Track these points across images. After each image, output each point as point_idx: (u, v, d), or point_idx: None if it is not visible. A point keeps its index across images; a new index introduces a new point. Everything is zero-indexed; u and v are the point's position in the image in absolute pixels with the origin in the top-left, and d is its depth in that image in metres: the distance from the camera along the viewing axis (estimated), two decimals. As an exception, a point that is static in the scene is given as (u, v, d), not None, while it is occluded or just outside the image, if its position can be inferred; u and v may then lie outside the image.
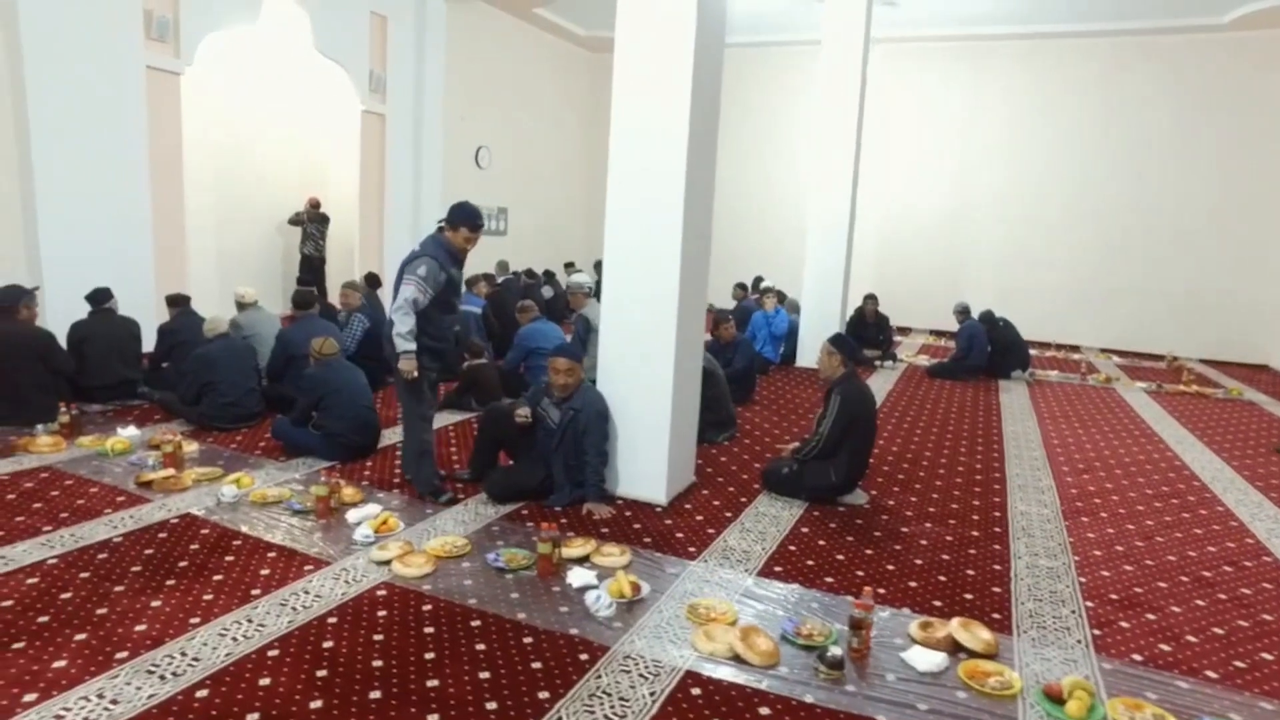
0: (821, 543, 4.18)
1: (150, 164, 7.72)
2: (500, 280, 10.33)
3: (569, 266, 13.38)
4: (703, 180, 4.53)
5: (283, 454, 5.18)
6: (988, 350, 9.14)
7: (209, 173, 9.70)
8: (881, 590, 3.62)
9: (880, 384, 8.71)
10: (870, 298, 10.04)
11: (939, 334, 12.94)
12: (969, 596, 3.61)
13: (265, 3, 8.71)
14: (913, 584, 3.73)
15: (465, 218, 4.29)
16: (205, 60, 8.37)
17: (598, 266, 13.49)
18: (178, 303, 6.66)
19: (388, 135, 10.67)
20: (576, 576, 3.52)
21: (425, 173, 11.20)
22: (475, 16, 12.05)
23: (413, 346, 4.17)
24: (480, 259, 12.57)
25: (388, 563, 3.60)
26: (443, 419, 6.23)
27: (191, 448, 5.10)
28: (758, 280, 12.26)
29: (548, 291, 11.08)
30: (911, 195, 13.27)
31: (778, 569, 3.84)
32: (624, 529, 4.23)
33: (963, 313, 9.48)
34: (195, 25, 8.02)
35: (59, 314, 6.41)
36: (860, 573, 3.82)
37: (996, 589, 3.70)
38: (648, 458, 4.55)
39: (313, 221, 10.86)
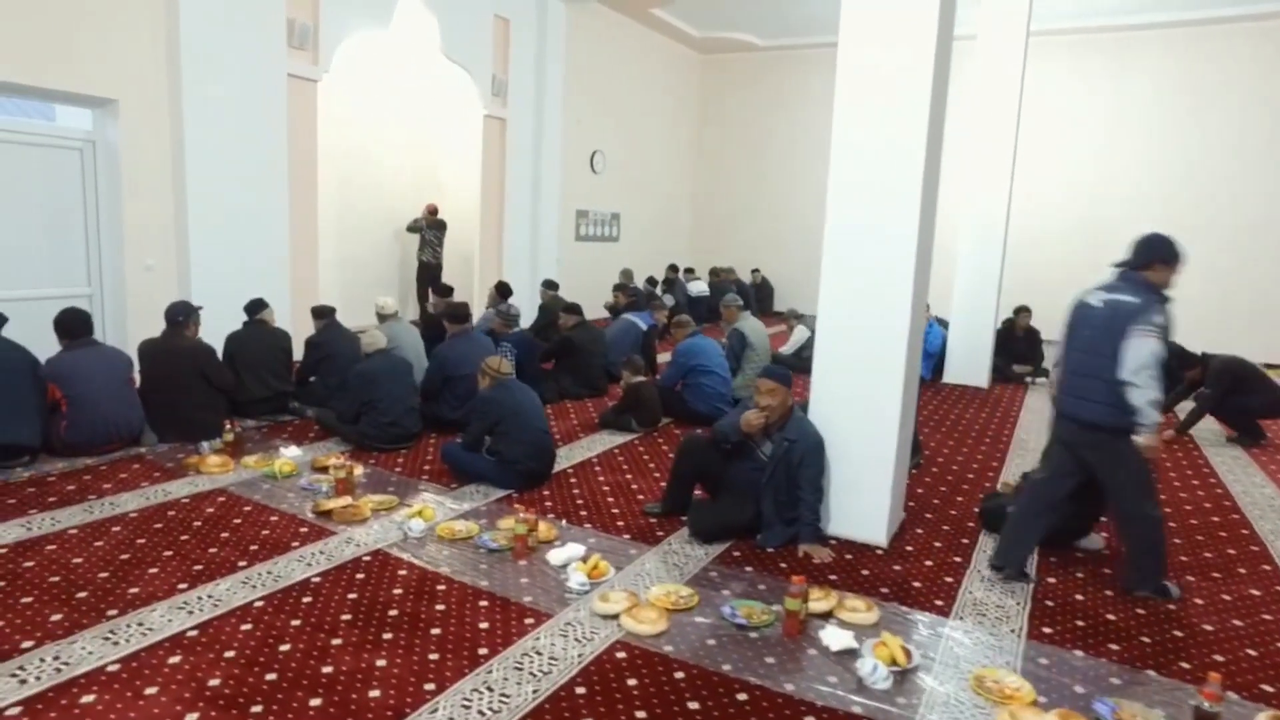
0: (1079, 597, 3.67)
1: (289, 173, 7.63)
2: (627, 289, 9.99)
3: (689, 273, 13.02)
4: (932, 195, 4.07)
5: (452, 480, 4.89)
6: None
7: (332, 180, 9.62)
8: (1185, 665, 3.10)
9: (1039, 403, 8.07)
10: (1023, 310, 9.36)
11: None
12: (1300, 678, 3.06)
13: (398, 7, 8.57)
14: (1218, 657, 3.19)
15: (1176, 251, 3.59)
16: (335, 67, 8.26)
17: (706, 274, 13.06)
18: (323, 314, 6.48)
19: (508, 140, 10.46)
20: (833, 638, 3.10)
21: (544, 178, 10.96)
22: (591, 18, 11.79)
23: (1160, 417, 3.49)
24: (601, 268, 12.32)
25: (614, 616, 3.24)
26: (605, 441, 5.90)
27: (358, 472, 4.86)
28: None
29: (668, 299, 10.71)
30: (1045, 199, 12.44)
31: (1046, 629, 3.35)
32: (852, 576, 3.79)
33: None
34: (333, 32, 7.91)
35: (206, 326, 6.30)
36: (1145, 639, 3.30)
37: (1326, 669, 3.14)
38: (867, 495, 4.10)
39: (430, 228, 10.70)
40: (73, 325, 4.97)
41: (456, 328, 6.04)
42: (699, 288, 12.37)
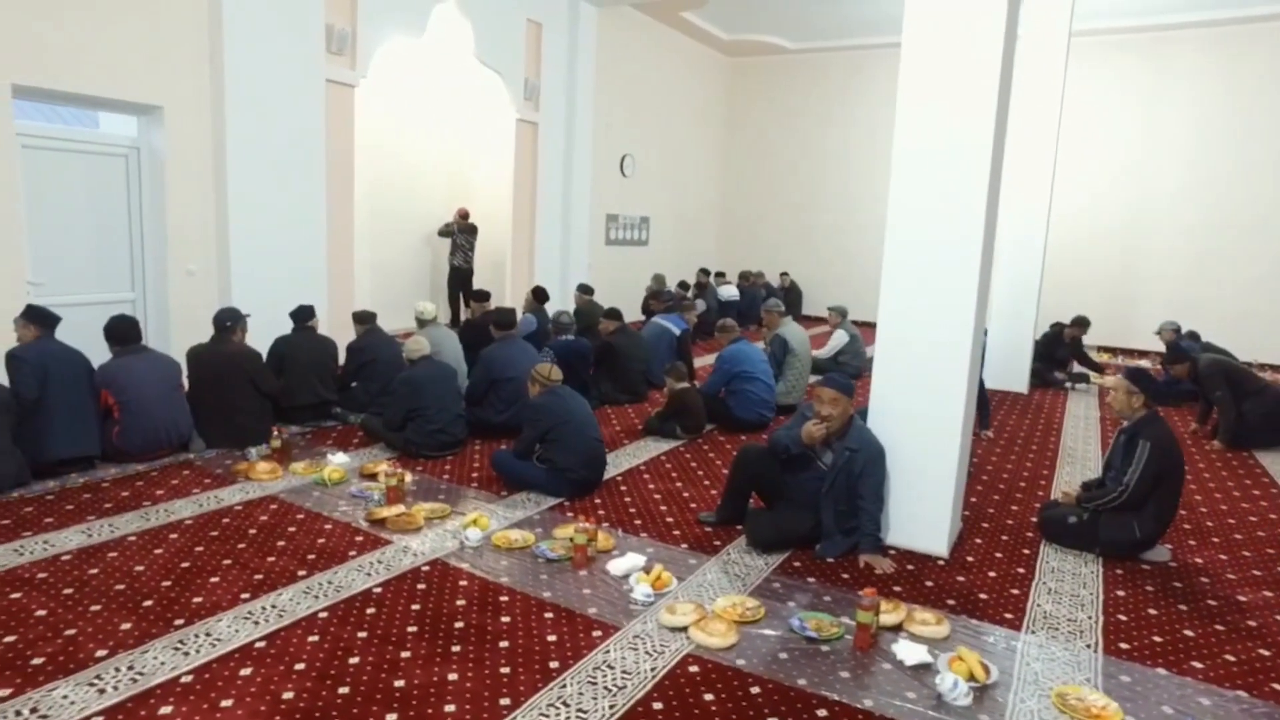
0: (1152, 611, 3.59)
1: (327, 178, 7.64)
2: (661, 294, 9.93)
3: (719, 276, 12.95)
4: (994, 203, 4.00)
5: (501, 487, 4.86)
6: (1202, 372, 8.26)
7: (365, 185, 9.62)
8: (1277, 686, 3.01)
9: (1083, 409, 7.96)
10: (1083, 321, 9.22)
11: (1109, 350, 11.95)
12: (1393, 698, 2.96)
13: (433, 12, 8.57)
14: (1310, 677, 3.10)
15: None
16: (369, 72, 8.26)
17: (736, 278, 12.95)
18: (365, 320, 6.47)
19: (539, 143, 10.43)
20: (908, 652, 3.03)
21: (575, 182, 10.92)
22: (621, 21, 11.76)
23: None
24: (631, 272, 12.29)
25: (682, 629, 3.19)
26: (650, 447, 5.85)
27: (408, 479, 4.84)
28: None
29: (700, 304, 10.64)
30: (1082, 202, 12.27)
31: (1123, 645, 3.27)
32: (917, 587, 3.72)
33: (1174, 332, 8.60)
34: (370, 37, 7.91)
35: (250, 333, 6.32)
36: (1230, 657, 3.21)
37: None
38: (928, 504, 4.03)
39: (462, 233, 10.67)
40: (123, 332, 4.99)
41: (502, 334, 6.00)
42: (729, 292, 12.30)
